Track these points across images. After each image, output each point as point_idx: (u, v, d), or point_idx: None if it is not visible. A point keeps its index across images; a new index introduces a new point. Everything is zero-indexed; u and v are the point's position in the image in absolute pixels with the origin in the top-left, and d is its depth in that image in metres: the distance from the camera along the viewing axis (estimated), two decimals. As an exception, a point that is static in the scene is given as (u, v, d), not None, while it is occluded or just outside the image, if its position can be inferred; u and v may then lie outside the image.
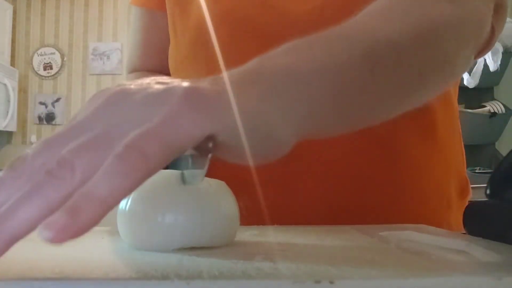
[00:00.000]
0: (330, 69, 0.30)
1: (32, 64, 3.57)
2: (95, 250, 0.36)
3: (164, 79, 0.28)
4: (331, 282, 0.23)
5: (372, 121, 0.36)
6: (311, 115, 0.29)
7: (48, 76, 3.57)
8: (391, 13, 0.36)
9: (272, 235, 0.44)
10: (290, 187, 0.57)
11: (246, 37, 0.57)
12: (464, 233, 0.47)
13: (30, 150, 0.26)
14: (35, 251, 0.35)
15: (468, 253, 0.35)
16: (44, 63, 3.57)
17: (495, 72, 2.38)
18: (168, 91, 0.26)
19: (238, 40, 0.57)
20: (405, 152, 0.58)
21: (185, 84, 0.26)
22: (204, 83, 0.26)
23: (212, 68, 0.54)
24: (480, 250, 0.35)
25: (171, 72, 0.68)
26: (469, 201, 0.56)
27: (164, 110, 0.24)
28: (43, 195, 0.23)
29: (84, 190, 0.23)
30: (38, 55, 3.58)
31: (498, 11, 0.44)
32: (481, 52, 0.44)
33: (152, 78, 0.28)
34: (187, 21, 0.61)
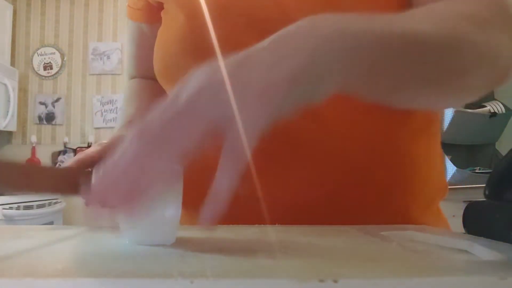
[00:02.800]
0: (382, 43, 0.36)
1: (32, 64, 3.57)
2: (97, 248, 0.36)
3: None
4: (335, 281, 0.23)
5: (393, 99, 0.43)
6: (358, 75, 0.36)
7: (48, 76, 3.57)
8: (429, 18, 0.42)
9: (273, 234, 0.44)
10: (283, 179, 0.56)
11: (246, 30, 0.56)
12: (464, 233, 0.47)
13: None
14: (35, 250, 0.35)
15: (470, 253, 0.35)
16: (44, 63, 3.57)
17: (495, 72, 2.38)
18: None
19: (238, 33, 0.57)
20: (398, 151, 0.58)
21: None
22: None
23: (208, 59, 0.55)
24: (482, 250, 0.35)
25: (158, 68, 0.67)
26: (469, 201, 0.56)
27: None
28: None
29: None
30: (38, 55, 3.57)
31: None
32: (497, 82, 0.47)
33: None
34: (186, 14, 0.61)
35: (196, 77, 0.32)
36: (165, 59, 0.65)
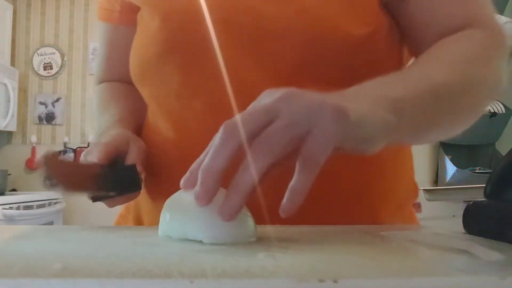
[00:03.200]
0: (418, 100, 0.44)
1: (32, 64, 3.57)
2: (98, 248, 0.36)
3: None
4: (335, 281, 0.23)
5: (432, 137, 0.53)
6: (404, 132, 0.43)
7: (48, 76, 3.57)
8: (442, 67, 0.50)
9: (273, 234, 0.44)
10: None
11: (223, 36, 0.57)
12: (464, 233, 0.47)
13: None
14: (36, 250, 0.35)
15: (471, 253, 0.35)
16: (44, 63, 3.56)
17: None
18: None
19: (215, 37, 0.57)
20: (364, 156, 0.59)
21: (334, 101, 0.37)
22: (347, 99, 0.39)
23: (186, 64, 0.59)
24: (482, 250, 0.35)
25: (135, 71, 0.67)
26: (469, 201, 0.56)
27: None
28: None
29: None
30: (38, 55, 3.57)
31: None
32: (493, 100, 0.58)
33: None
34: (162, 18, 0.61)
35: (297, 96, 0.37)
36: (141, 63, 0.65)
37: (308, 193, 0.49)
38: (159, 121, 0.64)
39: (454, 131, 0.54)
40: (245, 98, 0.54)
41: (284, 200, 0.36)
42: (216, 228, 0.37)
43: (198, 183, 0.37)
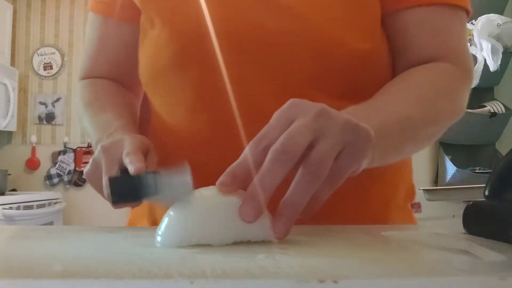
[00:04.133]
0: (387, 131, 0.48)
1: (32, 64, 3.57)
2: (97, 248, 0.36)
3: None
4: (335, 282, 0.23)
5: (395, 161, 0.55)
6: (385, 152, 0.49)
7: (48, 76, 3.57)
8: (414, 99, 0.55)
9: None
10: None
11: (230, 50, 0.58)
12: (464, 233, 0.47)
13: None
14: (36, 250, 0.35)
15: (470, 253, 0.35)
16: (44, 63, 3.57)
17: (495, 72, 2.38)
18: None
19: (223, 52, 0.58)
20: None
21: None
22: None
23: (196, 77, 0.59)
24: (482, 250, 0.35)
25: (145, 78, 0.67)
26: (469, 201, 0.56)
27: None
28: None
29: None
30: (38, 55, 3.57)
31: None
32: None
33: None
34: (172, 30, 0.61)
35: (331, 114, 0.40)
36: (152, 73, 0.65)
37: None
38: (165, 128, 0.64)
39: (416, 151, 0.60)
40: (254, 112, 0.56)
41: (307, 208, 0.39)
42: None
43: (248, 199, 0.37)
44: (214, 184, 0.39)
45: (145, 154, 0.54)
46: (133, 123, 0.67)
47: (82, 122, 0.70)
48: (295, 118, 0.40)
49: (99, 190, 0.54)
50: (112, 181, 0.48)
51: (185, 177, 0.39)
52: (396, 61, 0.63)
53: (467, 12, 0.62)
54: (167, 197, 0.40)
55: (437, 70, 0.59)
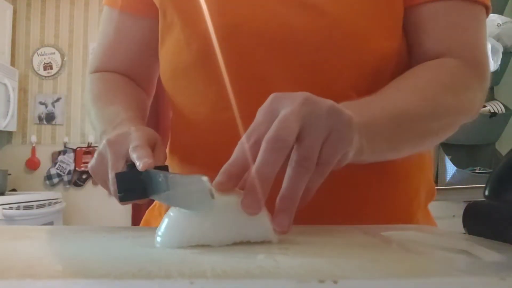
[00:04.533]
0: (381, 126, 0.48)
1: (32, 64, 3.56)
2: (97, 248, 0.36)
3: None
4: (335, 282, 0.23)
5: (394, 156, 0.55)
6: (376, 146, 0.48)
7: (48, 76, 3.56)
8: (413, 94, 0.54)
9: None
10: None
11: (257, 49, 0.58)
12: (464, 233, 0.47)
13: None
14: (36, 250, 0.35)
15: (470, 253, 0.35)
16: (44, 63, 3.56)
17: (495, 72, 2.38)
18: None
19: (249, 51, 0.58)
20: (394, 162, 0.60)
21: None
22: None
23: (221, 76, 0.59)
24: (482, 250, 0.35)
25: (167, 77, 0.66)
26: (469, 201, 0.56)
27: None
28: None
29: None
30: (38, 55, 3.57)
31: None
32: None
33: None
34: (194, 30, 0.61)
35: (315, 101, 0.41)
36: (174, 71, 0.65)
37: (338, 198, 0.54)
38: (187, 128, 0.64)
39: (420, 149, 0.59)
40: None
41: (301, 199, 0.39)
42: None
43: (248, 191, 0.38)
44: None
45: (152, 147, 0.53)
46: (142, 117, 0.65)
47: (90, 116, 0.69)
48: (280, 110, 0.40)
49: (105, 185, 0.53)
50: (119, 177, 0.47)
51: (202, 177, 0.37)
52: (411, 57, 0.62)
53: (486, 8, 0.61)
54: (179, 194, 0.39)
55: (443, 65, 0.58)
